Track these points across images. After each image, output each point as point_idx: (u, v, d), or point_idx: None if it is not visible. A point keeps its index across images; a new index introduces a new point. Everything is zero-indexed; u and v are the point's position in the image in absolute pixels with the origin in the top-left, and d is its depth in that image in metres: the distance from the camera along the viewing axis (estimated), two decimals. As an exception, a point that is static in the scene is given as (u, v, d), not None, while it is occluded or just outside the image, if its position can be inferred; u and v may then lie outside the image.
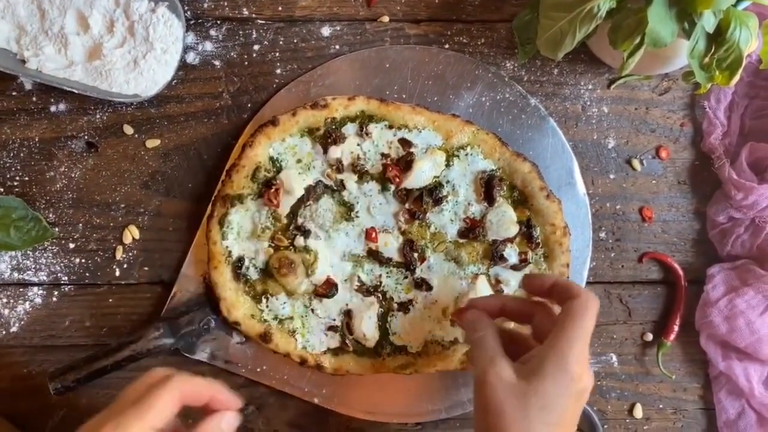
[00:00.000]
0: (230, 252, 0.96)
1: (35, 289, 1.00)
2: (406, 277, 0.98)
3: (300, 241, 0.96)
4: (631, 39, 0.78)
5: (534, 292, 0.85)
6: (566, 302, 0.77)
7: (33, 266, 1.00)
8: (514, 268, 0.97)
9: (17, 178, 0.99)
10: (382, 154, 0.97)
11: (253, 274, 0.96)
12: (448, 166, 0.97)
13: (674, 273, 1.01)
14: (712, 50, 0.80)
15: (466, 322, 0.84)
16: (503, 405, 0.73)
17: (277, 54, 1.01)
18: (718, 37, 0.78)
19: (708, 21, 0.77)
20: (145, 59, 0.94)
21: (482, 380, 0.75)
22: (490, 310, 0.85)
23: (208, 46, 1.00)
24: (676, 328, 0.99)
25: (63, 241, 1.00)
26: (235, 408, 0.77)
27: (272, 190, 0.95)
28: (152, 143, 1.00)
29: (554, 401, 0.72)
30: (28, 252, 0.99)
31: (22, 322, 1.00)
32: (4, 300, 0.99)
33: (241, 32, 1.00)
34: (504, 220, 0.97)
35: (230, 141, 1.00)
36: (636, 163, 1.02)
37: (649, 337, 1.01)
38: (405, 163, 0.97)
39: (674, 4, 0.76)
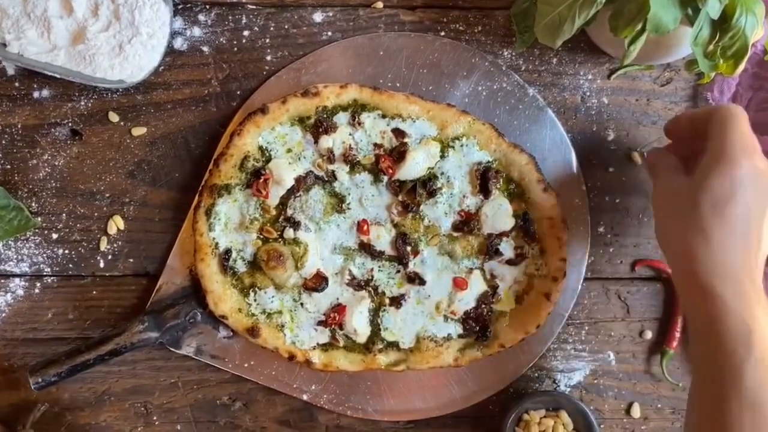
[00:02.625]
0: (217, 244, 0.93)
1: (17, 280, 0.97)
2: (398, 271, 0.95)
3: (289, 233, 0.93)
4: (632, 25, 0.75)
5: (679, 136, 0.88)
6: (710, 118, 0.79)
7: (15, 257, 0.97)
8: (510, 262, 0.95)
9: (-1, 165, 0.97)
10: (375, 144, 0.94)
11: (241, 267, 0.94)
12: (442, 157, 0.94)
13: (670, 279, 0.98)
14: (717, 38, 0.77)
15: (651, 159, 0.89)
16: (671, 212, 0.79)
17: (268, 40, 0.97)
18: (723, 24, 0.76)
19: (713, 7, 0.74)
20: (130, 44, 0.91)
21: (654, 196, 0.84)
22: (675, 135, 0.89)
23: (197, 31, 0.97)
24: (677, 334, 0.97)
25: (46, 231, 0.97)
26: None
27: (261, 180, 0.92)
28: (138, 131, 0.97)
29: (722, 193, 0.73)
30: (10, 242, 0.96)
31: (3, 315, 0.97)
32: (-15, 291, 0.97)
33: (230, 17, 0.97)
34: (500, 213, 0.94)
35: (219, 129, 0.97)
36: (636, 156, 0.99)
37: (648, 335, 0.99)
38: (398, 154, 0.94)
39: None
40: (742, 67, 0.79)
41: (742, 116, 0.77)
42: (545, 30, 0.83)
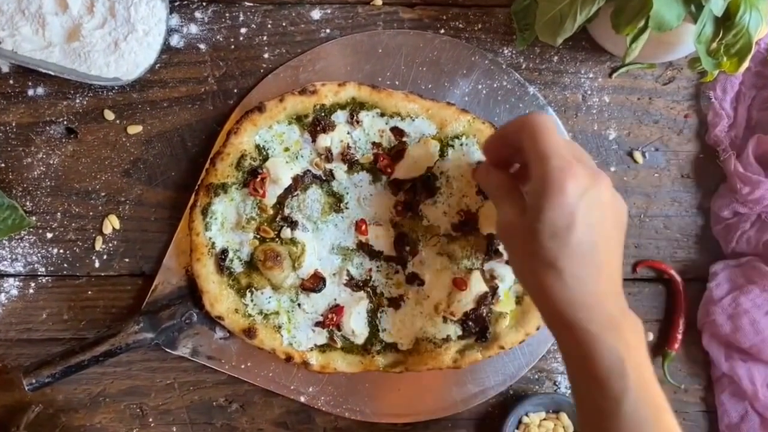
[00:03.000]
0: (213, 243, 0.92)
1: (11, 280, 0.96)
2: (397, 272, 0.94)
3: (287, 232, 0.92)
4: (634, 22, 0.74)
5: (498, 158, 0.82)
6: (520, 136, 0.74)
7: (9, 256, 0.96)
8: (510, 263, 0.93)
9: (-7, 164, 0.96)
10: (374, 143, 0.93)
11: (238, 267, 0.93)
12: (442, 156, 0.93)
13: (673, 281, 0.97)
14: (720, 35, 0.76)
15: (479, 179, 0.86)
16: (517, 248, 0.74)
17: (265, 38, 0.96)
18: (726, 21, 0.74)
19: (716, 4, 0.73)
20: (126, 41, 0.90)
21: (497, 229, 0.79)
22: (494, 159, 0.83)
23: (193, 28, 0.96)
24: (679, 336, 0.96)
25: (40, 231, 0.96)
26: None
27: (258, 179, 0.91)
28: (134, 129, 0.96)
29: (559, 223, 0.68)
30: (4, 242, 0.95)
31: (-3, 315, 0.96)
32: (-21, 291, 0.96)
33: (227, 15, 0.96)
34: (500, 213, 0.93)
35: (215, 128, 0.96)
36: (638, 155, 0.98)
37: (650, 336, 0.97)
38: (397, 153, 0.93)
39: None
40: (745, 65, 0.78)
41: (550, 127, 0.71)
42: (546, 27, 0.82)
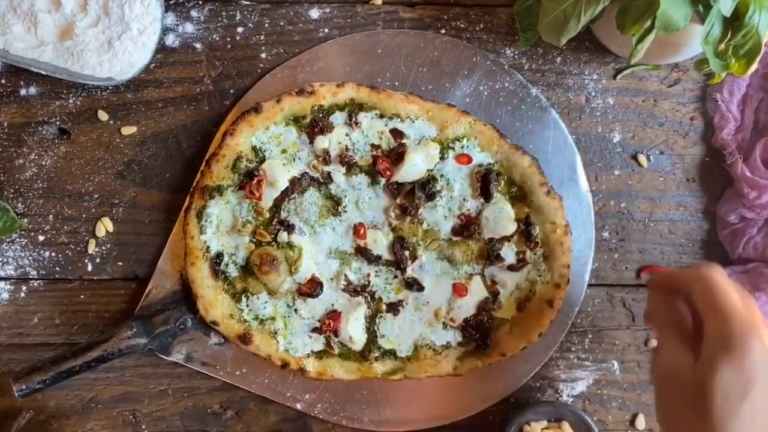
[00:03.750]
0: (208, 247, 0.90)
1: (2, 284, 0.94)
2: (396, 277, 0.92)
3: (283, 236, 0.90)
4: (640, 22, 0.72)
5: (663, 293, 0.76)
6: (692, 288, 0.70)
7: (0, 260, 0.94)
8: (511, 268, 0.91)
9: (-16, 165, 0.94)
10: (373, 145, 0.91)
11: (233, 271, 0.90)
12: (442, 158, 0.91)
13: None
14: (729, 36, 0.74)
15: (652, 307, 0.78)
16: (676, 398, 0.68)
17: (262, 37, 0.94)
18: (735, 22, 0.72)
19: (725, 4, 0.71)
20: (120, 40, 0.88)
21: (655, 368, 0.73)
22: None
23: (189, 27, 0.94)
24: (684, 340, 0.94)
25: (32, 233, 0.94)
26: None
27: (254, 182, 0.89)
28: (128, 130, 0.94)
29: (735, 386, 0.63)
30: (-5, 244, 0.94)
31: (-12, 319, 0.94)
32: (-31, 295, 0.94)
33: (224, 13, 0.94)
34: (501, 218, 0.91)
35: (211, 129, 0.94)
36: (642, 158, 0.96)
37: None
38: (396, 155, 0.91)
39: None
40: (754, 67, 0.76)
41: (727, 284, 0.68)
42: (549, 27, 0.80)
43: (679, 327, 0.72)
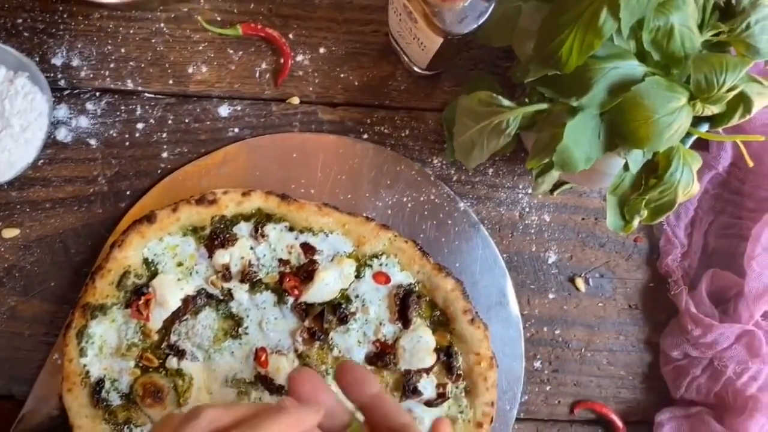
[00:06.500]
0: (88, 372, 0.80)
1: None
2: (300, 409, 0.82)
3: (173, 362, 0.80)
4: (539, 157, 0.63)
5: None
6: None
7: None
8: (430, 403, 0.82)
9: None
10: (280, 260, 0.82)
11: (115, 399, 0.81)
12: (358, 277, 0.82)
13: (614, 425, 0.86)
14: (641, 190, 0.65)
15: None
16: None
17: (165, 135, 0.85)
18: (652, 175, 0.64)
19: (635, 160, 0.62)
20: (-1, 138, 0.79)
21: None
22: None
23: (84, 121, 0.85)
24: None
25: None
26: None
27: (141, 301, 0.79)
28: (10, 233, 0.84)
29: None
30: None
31: None
32: None
33: (123, 107, 0.85)
34: (419, 348, 0.81)
35: (104, 233, 0.85)
36: (580, 282, 0.87)
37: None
38: (306, 273, 0.82)
39: (608, 126, 0.61)
40: (660, 220, 0.67)
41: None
42: (460, 148, 0.72)
43: None
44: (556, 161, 0.61)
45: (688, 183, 0.61)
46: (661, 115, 0.59)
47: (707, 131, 0.65)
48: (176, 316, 0.81)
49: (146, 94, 0.86)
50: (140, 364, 0.81)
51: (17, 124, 0.80)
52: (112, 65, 0.85)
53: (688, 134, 0.63)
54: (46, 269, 0.85)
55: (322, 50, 0.86)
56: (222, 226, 0.81)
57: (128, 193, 0.85)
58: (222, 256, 0.81)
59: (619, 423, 0.86)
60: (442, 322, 0.83)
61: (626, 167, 0.63)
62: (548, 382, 0.87)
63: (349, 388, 0.59)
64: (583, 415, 0.87)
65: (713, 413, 0.82)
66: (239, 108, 0.86)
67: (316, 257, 0.82)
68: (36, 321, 0.84)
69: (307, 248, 0.82)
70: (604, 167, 0.72)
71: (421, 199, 0.86)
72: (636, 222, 0.66)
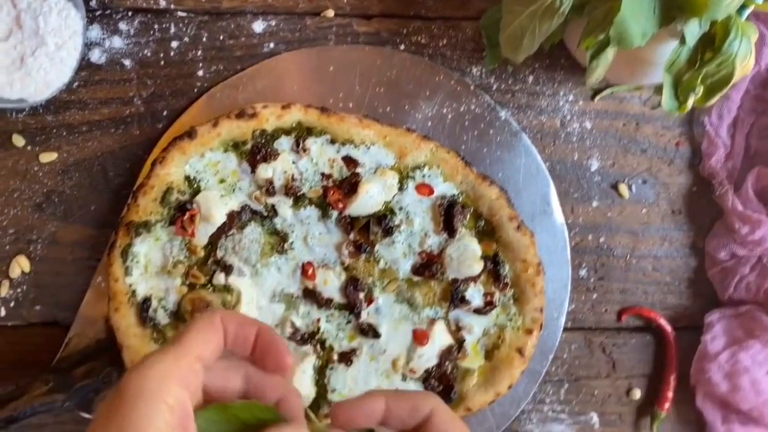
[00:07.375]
0: (135, 291, 0.80)
1: None
2: (349, 322, 0.82)
3: (220, 278, 0.80)
4: (594, 34, 0.62)
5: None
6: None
7: None
8: (478, 312, 0.82)
9: None
10: (323, 174, 0.81)
11: (163, 318, 0.80)
12: (401, 189, 0.82)
13: (662, 331, 0.86)
14: (698, 64, 0.64)
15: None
16: None
17: (200, 53, 0.84)
18: (708, 47, 0.62)
19: (692, 30, 0.61)
20: (33, 56, 0.78)
21: None
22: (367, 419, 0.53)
23: (117, 42, 0.84)
24: (670, 395, 0.85)
25: (-62, 274, 0.83)
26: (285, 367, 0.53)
27: (186, 217, 0.79)
28: (48, 157, 0.83)
29: None
30: None
31: None
32: None
33: (156, 26, 0.84)
34: (466, 256, 0.81)
35: (141, 155, 0.84)
36: (623, 188, 0.87)
37: (637, 394, 0.86)
38: (350, 186, 0.81)
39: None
40: (715, 99, 0.66)
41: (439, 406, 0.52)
42: (508, 42, 0.70)
43: None
44: (613, 36, 0.60)
45: (745, 55, 0.60)
46: (720, -19, 0.58)
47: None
48: (222, 232, 0.80)
49: (179, 13, 0.84)
50: (187, 282, 0.80)
51: (52, 43, 0.78)
52: (142, -16, 0.84)
53: (744, 6, 0.62)
54: (85, 193, 0.84)
55: (355, -39, 0.85)
56: (263, 140, 0.81)
57: (165, 113, 0.84)
58: (265, 171, 0.80)
59: (668, 327, 0.86)
60: (487, 232, 0.83)
61: (682, 41, 0.62)
62: (594, 290, 0.87)
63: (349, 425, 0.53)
64: (631, 323, 0.87)
65: (764, 309, 0.82)
66: (273, 23, 0.85)
67: (358, 170, 0.82)
68: (78, 245, 0.84)
69: (349, 161, 0.82)
70: (653, 55, 0.71)
71: (461, 109, 0.85)
72: (690, 102, 0.65)
